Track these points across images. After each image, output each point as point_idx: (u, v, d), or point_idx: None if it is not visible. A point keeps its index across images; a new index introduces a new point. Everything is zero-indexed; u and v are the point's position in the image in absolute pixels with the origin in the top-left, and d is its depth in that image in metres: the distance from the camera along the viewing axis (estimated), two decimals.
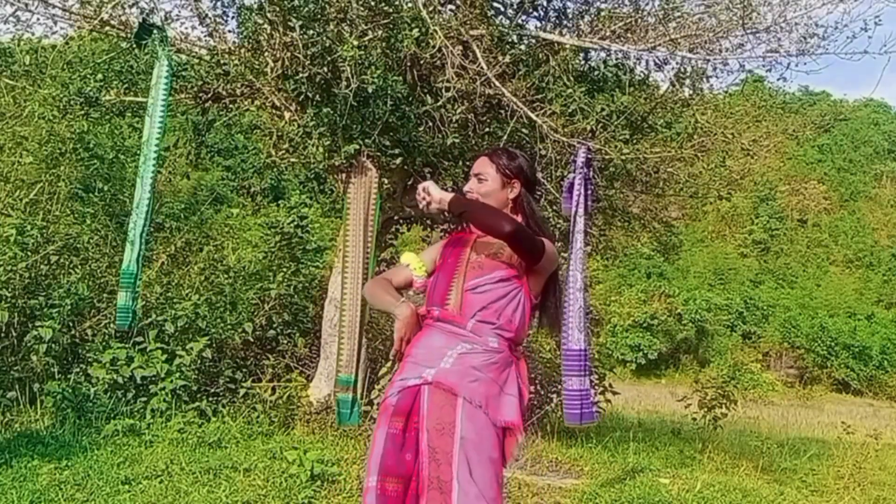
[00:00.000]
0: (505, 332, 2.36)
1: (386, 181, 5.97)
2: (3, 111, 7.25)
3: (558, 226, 6.83)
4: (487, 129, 5.94)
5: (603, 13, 6.08)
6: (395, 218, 6.82)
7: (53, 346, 5.63)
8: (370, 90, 4.97)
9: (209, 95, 5.97)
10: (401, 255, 2.68)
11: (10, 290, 5.68)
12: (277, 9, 5.06)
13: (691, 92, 6.52)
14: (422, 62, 5.46)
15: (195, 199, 10.21)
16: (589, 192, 4.10)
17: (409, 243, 9.67)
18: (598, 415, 4.39)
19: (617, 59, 6.27)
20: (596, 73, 6.37)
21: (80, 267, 6.42)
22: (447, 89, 5.28)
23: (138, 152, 7.57)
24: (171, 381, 5.68)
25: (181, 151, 7.11)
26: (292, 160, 5.56)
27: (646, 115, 6.24)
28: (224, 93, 5.84)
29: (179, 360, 5.80)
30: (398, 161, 5.78)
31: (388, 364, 6.00)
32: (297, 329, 7.06)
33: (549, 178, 5.90)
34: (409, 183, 6.28)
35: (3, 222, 6.02)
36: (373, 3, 5.05)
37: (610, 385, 8.34)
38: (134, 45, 5.00)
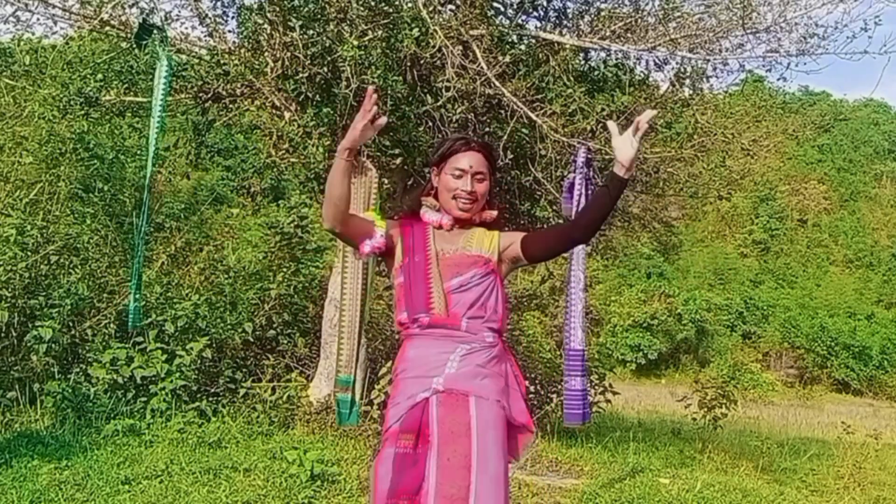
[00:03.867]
0: (494, 324, 2.32)
1: (386, 181, 5.97)
2: (3, 111, 7.25)
3: None
4: (487, 129, 5.94)
5: (603, 13, 6.08)
6: (395, 218, 6.81)
7: (53, 346, 5.63)
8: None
9: (209, 95, 5.97)
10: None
11: (10, 290, 5.68)
12: (277, 9, 5.07)
13: (691, 92, 6.52)
14: (422, 62, 5.46)
15: (195, 199, 10.21)
16: (589, 192, 4.10)
17: None
18: (591, 415, 4.40)
19: (617, 59, 6.27)
20: (596, 73, 6.37)
21: (80, 267, 6.42)
22: (447, 89, 5.28)
23: (139, 152, 7.62)
24: (171, 381, 5.68)
25: (181, 151, 7.11)
26: (292, 160, 5.56)
27: None
28: (224, 93, 5.84)
29: (179, 360, 5.80)
30: (398, 161, 5.78)
31: (389, 364, 6.00)
32: (297, 329, 7.05)
33: (549, 178, 5.90)
34: (409, 183, 6.28)
35: (3, 222, 6.02)
36: (373, 3, 5.05)
37: (610, 385, 8.35)
38: (134, 45, 5.00)
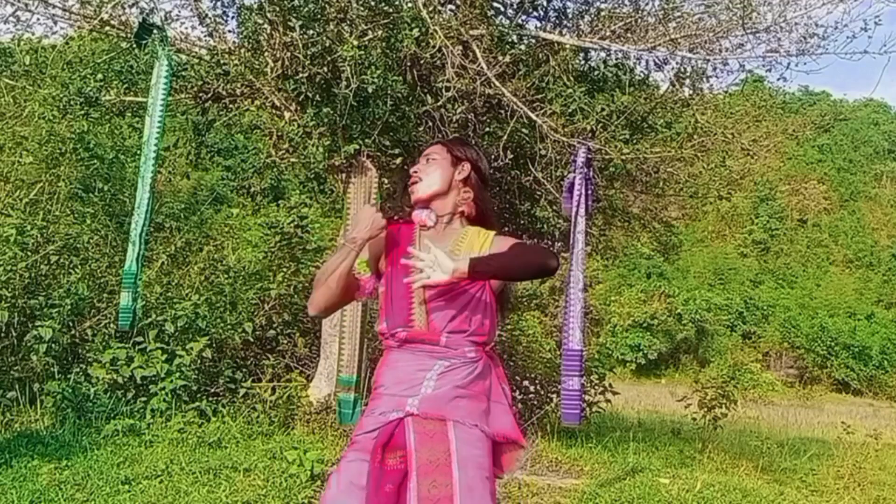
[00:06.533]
0: (478, 337, 2.17)
1: (386, 181, 5.97)
2: (3, 111, 7.25)
3: (558, 226, 6.83)
4: (487, 129, 5.95)
5: (603, 13, 6.09)
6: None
7: (53, 346, 5.63)
8: (370, 90, 4.97)
9: (209, 95, 5.97)
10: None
11: (10, 290, 5.68)
12: (277, 9, 5.07)
13: (691, 92, 6.52)
14: (422, 62, 5.46)
15: (195, 199, 10.20)
16: (589, 192, 4.10)
17: None
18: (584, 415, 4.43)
19: (617, 59, 6.28)
20: (596, 73, 6.38)
21: (80, 267, 6.42)
22: (447, 89, 5.28)
23: (138, 152, 7.59)
24: (171, 381, 5.68)
25: (181, 151, 7.11)
26: (292, 160, 5.57)
27: (646, 115, 6.24)
28: (224, 93, 5.84)
29: (179, 360, 5.80)
30: (398, 161, 5.78)
31: None
32: (297, 329, 7.05)
33: (549, 178, 5.90)
34: (409, 183, 6.28)
35: (3, 222, 6.02)
36: (373, 3, 5.05)
37: (610, 385, 8.35)
38: (134, 45, 5.00)
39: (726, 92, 7.03)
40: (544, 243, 7.76)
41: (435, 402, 2.08)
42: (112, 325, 6.10)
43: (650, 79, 6.64)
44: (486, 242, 2.25)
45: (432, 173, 2.34)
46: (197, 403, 5.76)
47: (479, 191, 2.34)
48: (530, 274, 2.20)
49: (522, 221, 7.21)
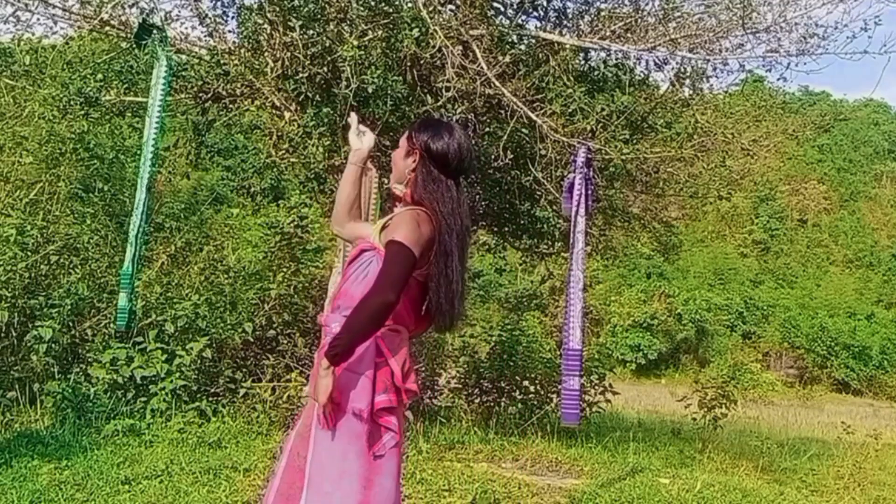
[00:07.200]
0: (349, 310, 2.14)
1: (386, 181, 5.97)
2: (3, 111, 7.24)
3: (558, 226, 6.82)
4: (487, 129, 5.94)
5: (603, 13, 6.09)
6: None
7: (53, 346, 5.63)
8: (370, 90, 4.98)
9: (209, 95, 5.97)
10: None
11: (10, 290, 5.68)
12: (277, 9, 5.07)
13: (691, 92, 6.53)
14: (422, 62, 5.46)
15: (195, 199, 10.20)
16: (589, 192, 4.10)
17: None
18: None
19: (617, 59, 6.28)
20: (596, 73, 6.38)
21: (80, 267, 6.42)
22: (447, 89, 5.28)
23: (138, 152, 7.59)
24: (171, 381, 5.68)
25: (181, 151, 7.11)
26: (292, 160, 5.57)
27: (646, 115, 6.25)
28: (224, 93, 5.84)
29: (179, 360, 5.79)
30: None
31: None
32: (297, 329, 7.04)
33: (549, 178, 5.90)
34: None
35: (3, 222, 6.02)
36: (373, 3, 5.05)
37: (610, 385, 8.34)
38: (134, 45, 5.00)
39: (726, 92, 7.04)
40: (544, 243, 7.76)
41: (311, 379, 2.20)
42: (112, 326, 6.10)
43: (650, 79, 6.66)
44: (378, 225, 2.28)
45: (394, 167, 2.39)
46: (197, 403, 5.76)
47: (421, 177, 2.26)
48: (379, 318, 2.06)
49: (522, 221, 7.21)
